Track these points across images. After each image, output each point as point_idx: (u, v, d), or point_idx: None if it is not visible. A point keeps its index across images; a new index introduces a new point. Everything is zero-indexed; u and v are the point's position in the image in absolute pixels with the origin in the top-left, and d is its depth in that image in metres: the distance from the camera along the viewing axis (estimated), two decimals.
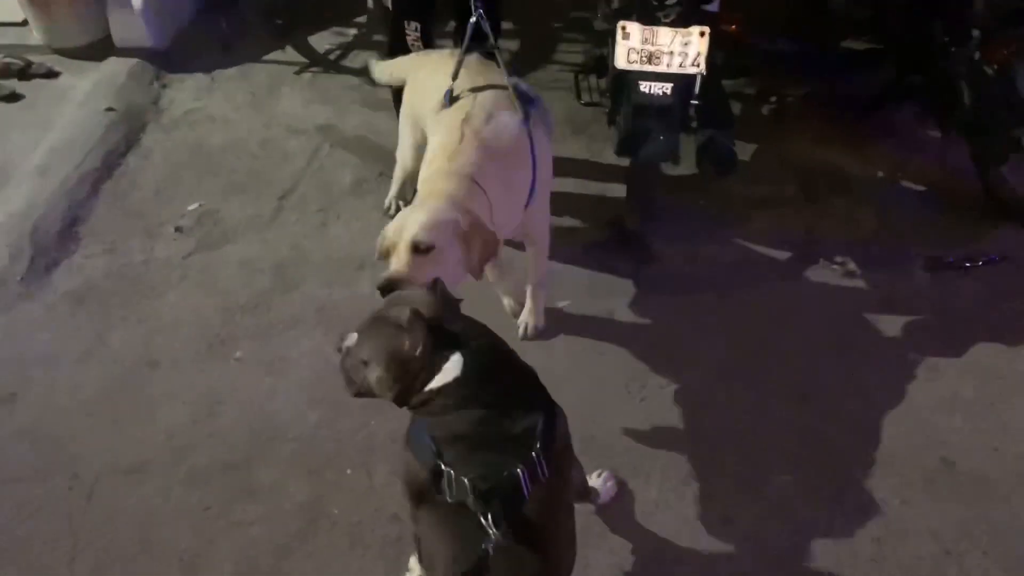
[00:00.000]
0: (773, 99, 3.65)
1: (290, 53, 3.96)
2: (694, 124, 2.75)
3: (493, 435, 1.57)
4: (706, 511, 2.20)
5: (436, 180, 2.13)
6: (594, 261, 2.92)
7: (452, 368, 1.56)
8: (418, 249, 1.95)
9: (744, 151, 3.39)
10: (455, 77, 2.38)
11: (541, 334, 2.68)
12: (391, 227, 2.02)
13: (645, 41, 2.40)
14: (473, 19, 2.37)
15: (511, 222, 2.30)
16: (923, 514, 2.19)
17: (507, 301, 2.74)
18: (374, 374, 1.61)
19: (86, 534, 2.20)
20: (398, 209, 2.95)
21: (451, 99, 2.34)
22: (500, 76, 2.39)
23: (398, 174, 2.94)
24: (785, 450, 2.33)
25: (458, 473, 1.52)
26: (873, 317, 2.70)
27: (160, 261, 2.94)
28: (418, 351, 1.54)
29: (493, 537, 1.48)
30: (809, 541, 2.13)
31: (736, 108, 3.59)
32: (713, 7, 2.56)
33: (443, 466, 1.54)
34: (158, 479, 2.32)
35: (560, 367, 2.54)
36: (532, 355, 2.50)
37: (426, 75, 2.56)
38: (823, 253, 2.93)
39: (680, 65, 2.42)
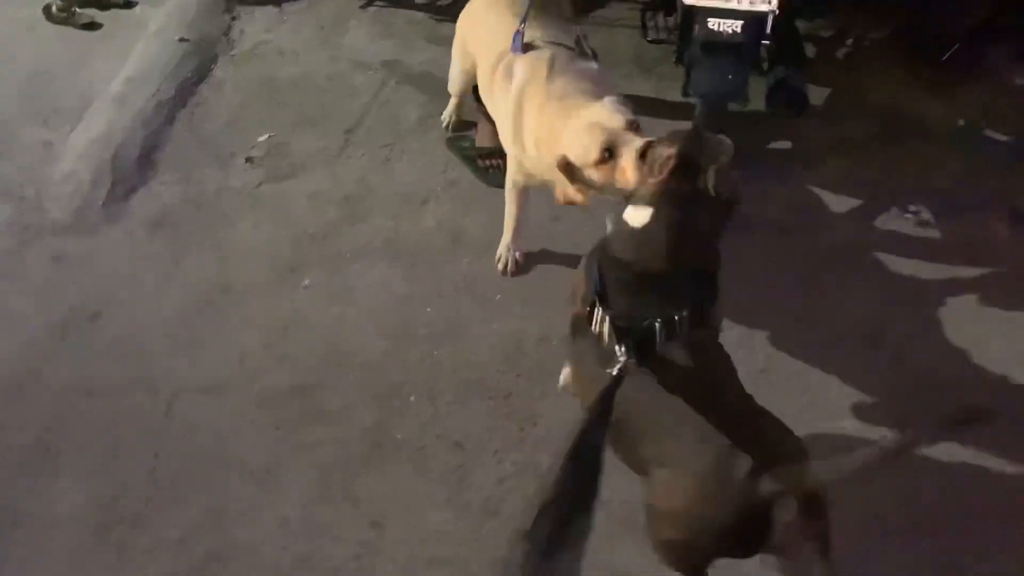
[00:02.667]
0: (850, 41, 3.51)
1: None
2: (765, 64, 2.68)
3: (648, 289, 1.75)
4: None
5: (579, 103, 2.10)
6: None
7: (641, 216, 1.77)
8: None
9: (819, 95, 3.28)
10: (524, 20, 2.34)
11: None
12: (593, 123, 2.00)
13: None
14: None
15: None
16: (990, 468, 2.17)
17: None
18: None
19: (165, 447, 2.32)
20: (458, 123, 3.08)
21: (521, 40, 2.30)
22: (563, 23, 2.38)
23: (452, 97, 3.02)
24: (851, 395, 2.31)
25: (605, 309, 1.72)
26: (948, 268, 2.63)
27: (232, 190, 3.01)
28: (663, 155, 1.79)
29: (621, 362, 1.63)
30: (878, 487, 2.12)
31: (811, 50, 3.48)
32: None
33: (596, 299, 1.75)
34: (232, 398, 2.42)
35: None
36: None
37: (483, 6, 2.55)
38: (897, 200, 2.85)
39: (751, 2, 2.35)
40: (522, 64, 2.26)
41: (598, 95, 2.10)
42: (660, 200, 1.75)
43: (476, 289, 2.66)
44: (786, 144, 3.08)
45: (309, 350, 2.52)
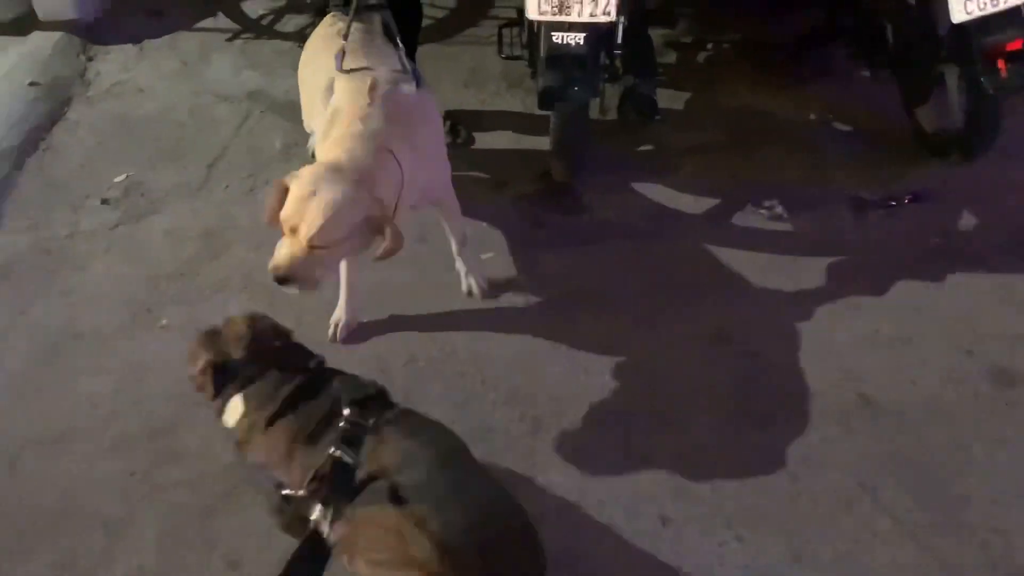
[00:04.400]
0: (709, 46, 3.64)
1: (221, 20, 3.91)
2: (620, 72, 2.74)
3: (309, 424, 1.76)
4: (625, 451, 2.21)
5: (347, 143, 2.05)
6: (522, 214, 2.93)
7: (235, 410, 1.83)
8: (314, 247, 1.90)
9: (678, 99, 3.39)
10: (346, 36, 2.34)
11: (491, 295, 2.63)
12: (293, 197, 1.90)
13: None
14: None
15: (427, 185, 2.28)
16: (839, 449, 2.21)
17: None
18: None
19: (9, 504, 2.20)
20: None
21: (343, 59, 2.28)
22: (386, 47, 2.40)
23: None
24: (704, 390, 2.34)
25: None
26: (797, 259, 2.71)
27: (85, 234, 2.91)
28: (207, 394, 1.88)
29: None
30: (727, 479, 2.15)
31: (671, 57, 3.59)
32: None
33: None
34: (83, 447, 2.30)
35: (488, 322, 2.56)
36: (460, 311, 2.59)
37: (311, 46, 2.56)
38: (751, 198, 2.94)
39: (591, 14, 2.40)
40: (341, 87, 2.24)
41: (372, 161, 2.03)
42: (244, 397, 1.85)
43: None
44: (646, 149, 3.16)
45: (164, 391, 2.42)
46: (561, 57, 2.44)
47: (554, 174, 2.95)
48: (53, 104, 3.40)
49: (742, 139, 3.19)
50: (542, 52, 2.44)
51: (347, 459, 1.66)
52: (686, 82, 3.45)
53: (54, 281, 2.74)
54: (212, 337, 1.90)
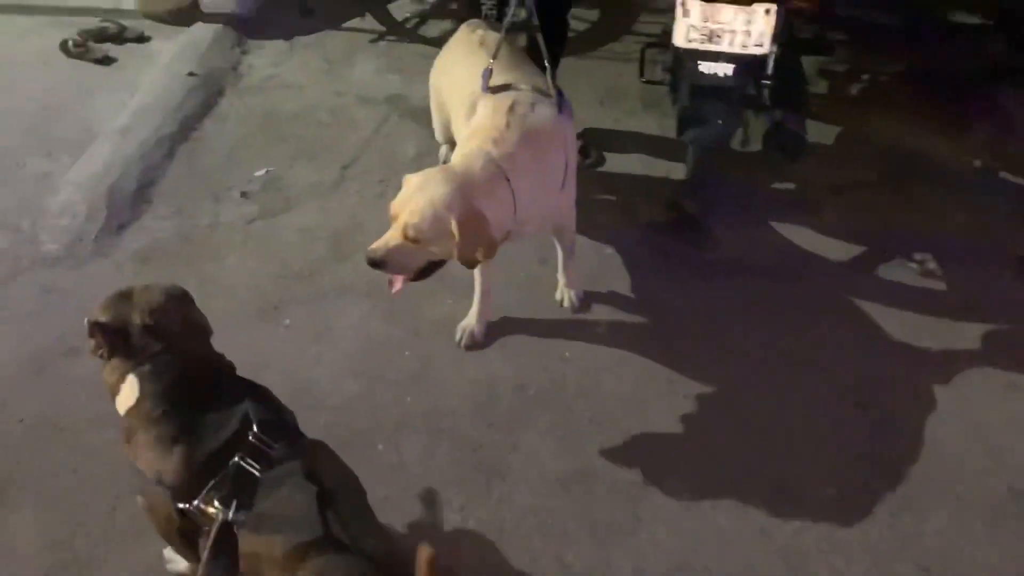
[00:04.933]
0: (866, 76, 3.40)
1: (369, 21, 3.98)
2: (768, 104, 2.60)
3: (207, 436, 1.60)
4: (741, 520, 2.09)
5: (470, 157, 2.09)
6: (649, 243, 2.83)
7: (131, 390, 1.62)
8: (409, 238, 1.95)
9: (827, 132, 3.19)
10: (495, 56, 2.32)
11: (582, 309, 2.62)
12: (404, 191, 2.01)
13: (706, 19, 2.26)
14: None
15: (542, 211, 2.25)
16: (982, 547, 2.01)
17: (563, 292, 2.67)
18: None
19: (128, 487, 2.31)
20: None
21: (489, 79, 2.28)
22: (528, 64, 2.34)
23: (441, 145, 2.99)
24: (831, 458, 2.19)
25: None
26: (950, 324, 2.51)
27: (224, 226, 3.02)
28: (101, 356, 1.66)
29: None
30: (850, 563, 2.00)
31: (823, 87, 3.39)
32: None
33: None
34: None
35: (603, 355, 2.48)
36: (575, 340, 2.53)
37: (450, 56, 2.55)
38: (901, 248, 2.73)
39: (743, 45, 2.27)
40: (484, 104, 2.23)
41: (484, 182, 2.03)
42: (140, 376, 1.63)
43: (454, 332, 2.60)
44: (787, 186, 2.98)
45: (281, 391, 2.45)
46: (707, 88, 2.33)
47: (686, 205, 2.83)
48: (207, 94, 3.55)
49: (894, 181, 2.97)
50: (687, 81, 2.34)
51: (252, 470, 1.57)
52: (837, 114, 3.25)
53: (192, 270, 2.85)
54: (121, 300, 1.71)
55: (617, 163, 3.19)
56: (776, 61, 2.44)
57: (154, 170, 3.22)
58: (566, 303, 2.63)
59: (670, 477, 2.17)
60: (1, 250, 2.94)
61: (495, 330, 2.59)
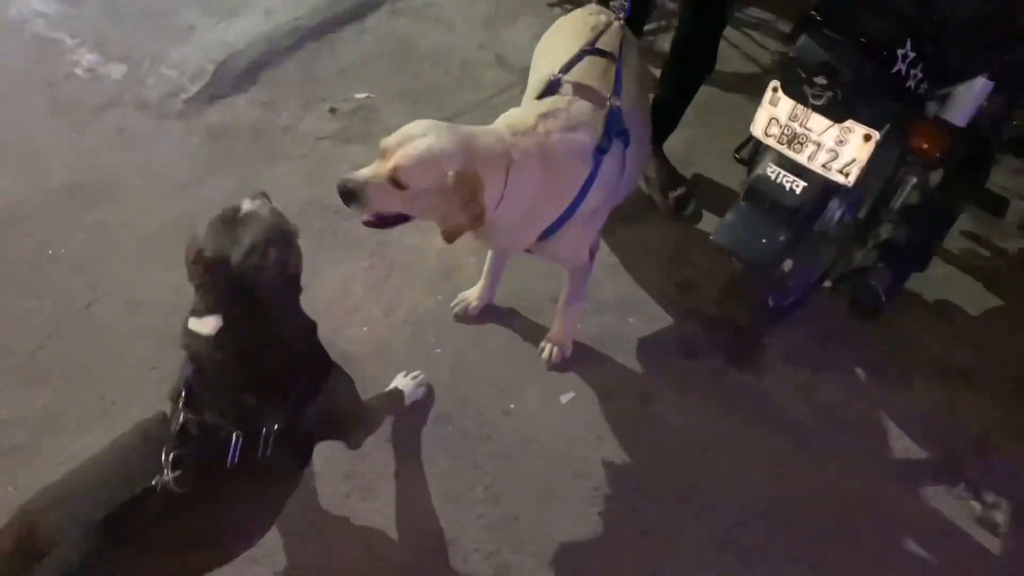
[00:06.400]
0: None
1: None
2: (868, 242, 2.07)
3: (235, 391, 1.50)
4: None
5: (484, 130, 1.83)
6: (684, 330, 2.41)
7: (208, 325, 1.47)
8: (395, 181, 1.71)
9: (978, 301, 2.52)
10: (620, 54, 2.04)
11: (557, 369, 2.31)
12: (402, 131, 1.76)
13: (793, 117, 1.78)
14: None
15: (515, 229, 1.95)
16: None
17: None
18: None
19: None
20: None
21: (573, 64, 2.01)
22: (610, 80, 1.99)
23: None
24: None
25: (186, 408, 1.47)
26: None
27: (297, 133, 2.97)
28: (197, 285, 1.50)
29: (165, 477, 1.41)
30: None
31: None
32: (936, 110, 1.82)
33: (183, 393, 1.49)
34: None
35: (544, 428, 2.17)
36: (526, 396, 2.23)
37: (557, 32, 2.26)
38: (976, 476, 2.11)
39: (824, 165, 1.77)
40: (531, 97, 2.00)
41: (488, 159, 1.77)
42: (218, 306, 1.47)
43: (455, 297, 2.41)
44: (882, 343, 2.39)
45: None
46: (764, 197, 1.86)
47: (738, 315, 2.36)
48: (361, 3, 3.48)
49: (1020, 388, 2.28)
50: (749, 179, 1.88)
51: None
52: (996, 284, 2.56)
53: (244, 162, 2.84)
54: (227, 226, 1.49)
55: (711, 224, 2.73)
56: (906, 198, 1.92)
57: (272, 56, 3.23)
58: (544, 355, 2.33)
59: None
60: (113, 79, 3.11)
61: (479, 334, 2.38)
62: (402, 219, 1.81)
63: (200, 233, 1.49)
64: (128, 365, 2.23)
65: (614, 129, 1.95)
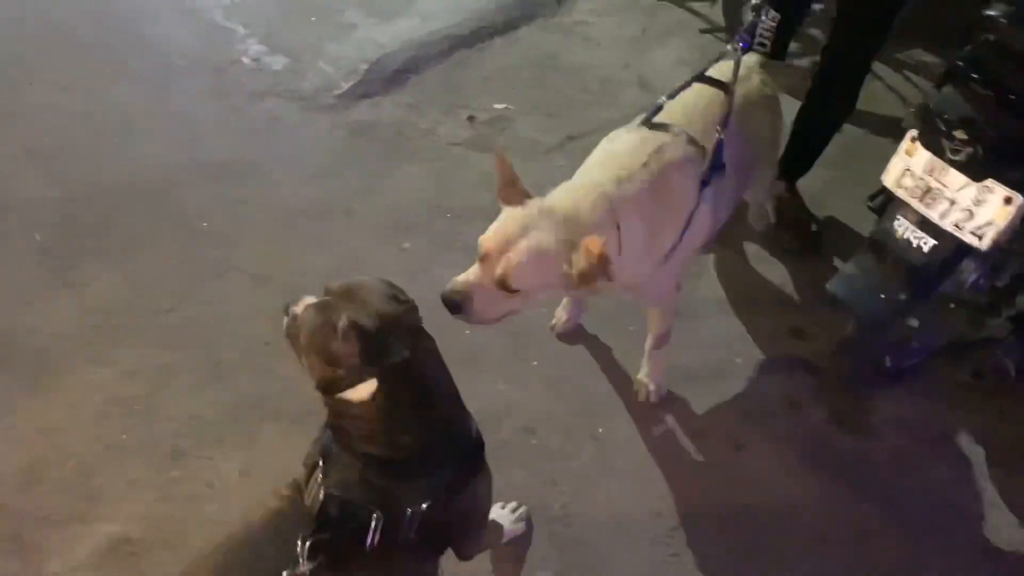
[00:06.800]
0: None
1: (715, 9, 3.62)
2: (1005, 313, 1.91)
3: (376, 472, 1.39)
4: None
5: (584, 194, 1.81)
6: (786, 377, 2.32)
7: (366, 389, 1.34)
8: (504, 286, 1.69)
9: None
10: (732, 86, 1.97)
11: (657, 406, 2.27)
12: (500, 227, 1.73)
13: (929, 170, 1.65)
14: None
15: (636, 274, 1.91)
16: None
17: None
18: (305, 359, 1.41)
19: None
20: None
21: (656, 111, 1.98)
22: (717, 118, 1.94)
23: None
24: None
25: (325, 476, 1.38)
26: None
27: (434, 136, 3.07)
28: (346, 362, 1.33)
29: (299, 567, 1.30)
30: None
31: None
32: None
33: (320, 463, 1.41)
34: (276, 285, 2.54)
35: (650, 472, 2.15)
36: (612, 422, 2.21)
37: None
38: None
39: (956, 224, 1.64)
40: (634, 131, 1.97)
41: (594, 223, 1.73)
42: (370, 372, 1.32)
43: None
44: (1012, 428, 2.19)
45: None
46: (888, 251, 1.74)
47: (849, 372, 2.23)
48: (516, 16, 3.55)
49: None
50: (875, 230, 1.77)
51: None
52: None
53: (378, 158, 2.97)
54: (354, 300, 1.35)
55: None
56: None
57: (422, 60, 3.35)
58: (641, 396, 2.29)
59: None
60: (274, 70, 3.32)
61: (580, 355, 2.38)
62: (509, 315, 1.79)
63: (299, 310, 1.38)
64: (244, 337, 2.38)
65: (717, 162, 1.92)
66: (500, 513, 2.02)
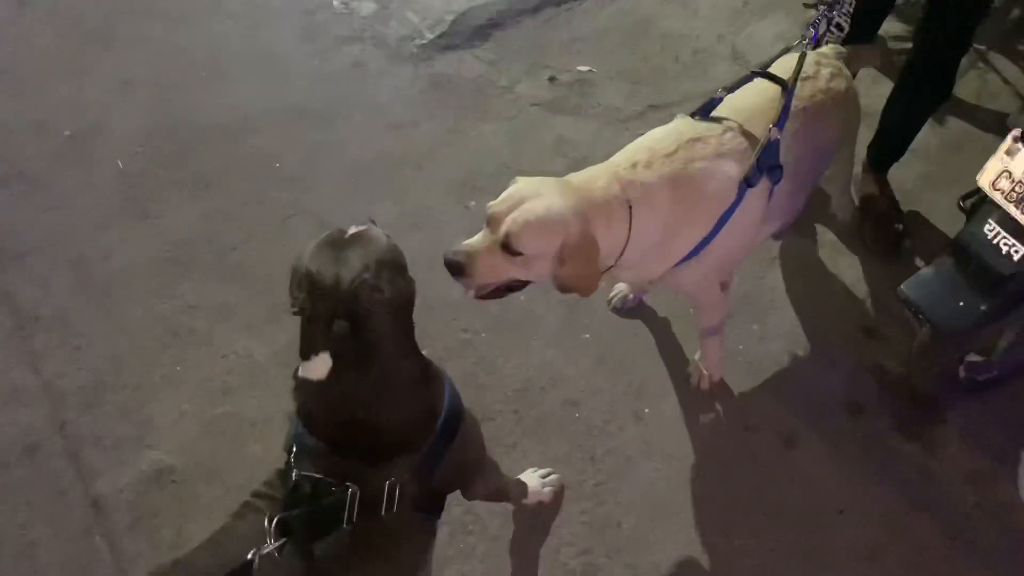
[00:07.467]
0: None
1: None
2: None
3: (349, 449, 1.35)
4: None
5: (603, 175, 1.74)
6: (855, 382, 2.21)
7: (319, 366, 1.32)
8: (507, 247, 1.64)
9: None
10: (792, 84, 1.85)
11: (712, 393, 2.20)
12: (509, 194, 1.69)
13: None
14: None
15: (647, 269, 1.86)
16: None
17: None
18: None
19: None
20: None
21: (710, 104, 1.88)
22: (772, 115, 1.82)
23: None
24: None
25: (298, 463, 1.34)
26: None
27: (513, 95, 3.01)
28: (299, 310, 1.32)
29: (264, 549, 1.25)
30: None
31: None
32: None
33: (293, 451, 1.37)
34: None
35: (693, 458, 2.10)
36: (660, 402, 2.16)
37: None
38: None
39: None
40: (678, 119, 1.87)
41: (603, 207, 1.67)
42: (325, 342, 1.29)
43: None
44: None
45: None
46: (973, 256, 1.60)
47: (917, 381, 2.10)
48: None
49: None
50: (962, 234, 1.63)
51: None
52: None
53: (455, 114, 2.94)
54: (335, 251, 1.31)
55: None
56: None
57: (509, 16, 3.28)
58: (693, 381, 2.23)
59: None
60: (362, 16, 3.31)
61: (632, 331, 2.32)
62: (514, 287, 1.73)
63: (305, 254, 1.32)
64: None
65: (766, 163, 1.78)
66: (530, 475, 2.00)
